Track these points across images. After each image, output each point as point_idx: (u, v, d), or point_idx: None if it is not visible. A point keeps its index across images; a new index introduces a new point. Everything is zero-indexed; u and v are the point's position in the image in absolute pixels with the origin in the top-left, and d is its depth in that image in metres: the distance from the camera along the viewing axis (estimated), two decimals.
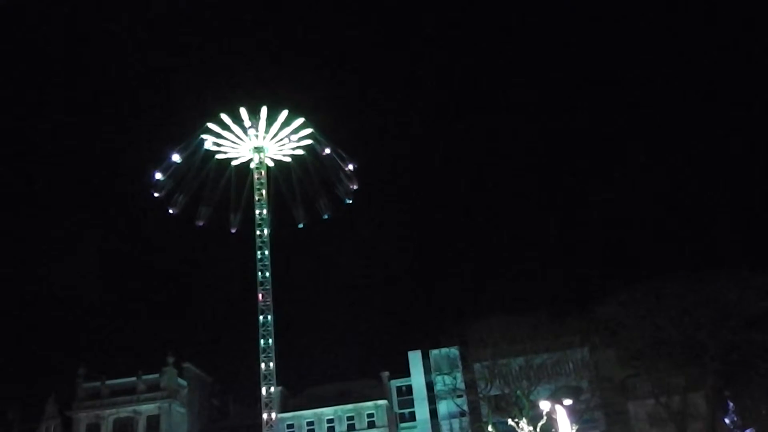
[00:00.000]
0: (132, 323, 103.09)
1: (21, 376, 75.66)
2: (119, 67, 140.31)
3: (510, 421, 59.02)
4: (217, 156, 66.25)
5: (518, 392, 61.73)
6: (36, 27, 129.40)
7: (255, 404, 64.36)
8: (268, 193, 66.72)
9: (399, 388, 72.48)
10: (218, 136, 65.23)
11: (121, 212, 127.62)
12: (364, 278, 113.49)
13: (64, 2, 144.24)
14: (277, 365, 61.82)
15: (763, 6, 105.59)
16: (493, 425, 60.84)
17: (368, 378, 72.87)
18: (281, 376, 63.91)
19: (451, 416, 68.65)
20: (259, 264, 64.18)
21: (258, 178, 66.53)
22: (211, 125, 64.66)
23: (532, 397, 59.46)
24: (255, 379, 62.92)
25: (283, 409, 69.52)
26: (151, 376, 68.94)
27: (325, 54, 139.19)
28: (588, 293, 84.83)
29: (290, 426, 69.63)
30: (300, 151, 67.28)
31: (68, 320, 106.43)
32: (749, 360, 56.65)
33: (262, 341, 61.87)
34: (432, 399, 69.97)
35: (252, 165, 67.16)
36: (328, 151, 66.59)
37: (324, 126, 67.67)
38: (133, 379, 68.93)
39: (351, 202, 68.78)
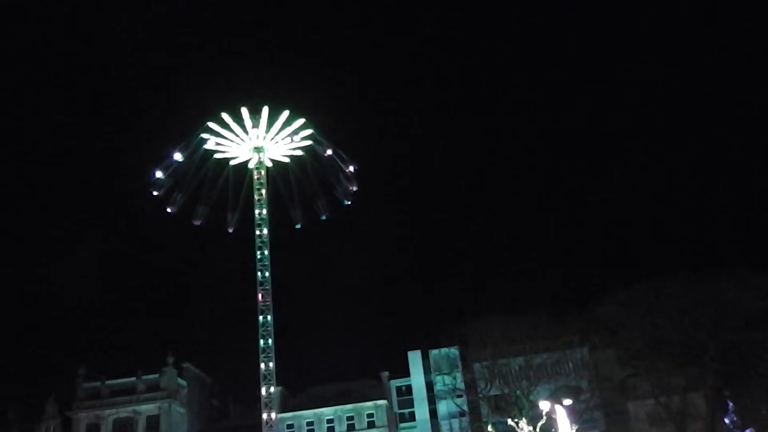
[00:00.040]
0: (131, 323, 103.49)
1: (21, 376, 75.92)
2: (119, 67, 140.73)
3: (510, 421, 59.00)
4: (217, 155, 66.30)
5: (518, 392, 61.70)
6: (36, 27, 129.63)
7: (255, 404, 64.38)
8: (267, 193, 66.81)
9: (399, 388, 72.40)
10: (219, 135, 65.30)
11: (121, 212, 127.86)
12: (364, 278, 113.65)
13: (64, 2, 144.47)
14: (276, 365, 61.88)
15: (763, 6, 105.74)
16: (493, 425, 60.80)
17: (368, 378, 72.79)
18: (281, 376, 63.99)
19: (451, 416, 68.61)
20: (258, 264, 64.19)
21: (257, 178, 66.58)
22: (211, 124, 64.77)
23: (531, 397, 59.44)
24: (255, 379, 63.05)
25: (283, 409, 69.45)
26: (150, 376, 68.96)
27: (325, 54, 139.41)
28: (588, 293, 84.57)
29: (290, 426, 69.56)
30: (299, 152, 67.33)
31: (68, 320, 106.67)
32: (749, 360, 56.58)
33: (261, 341, 61.90)
34: (432, 399, 69.90)
35: (251, 165, 67.22)
36: (329, 152, 66.63)
37: (324, 126, 67.91)
38: (133, 379, 68.93)
39: (350, 203, 69.00)
